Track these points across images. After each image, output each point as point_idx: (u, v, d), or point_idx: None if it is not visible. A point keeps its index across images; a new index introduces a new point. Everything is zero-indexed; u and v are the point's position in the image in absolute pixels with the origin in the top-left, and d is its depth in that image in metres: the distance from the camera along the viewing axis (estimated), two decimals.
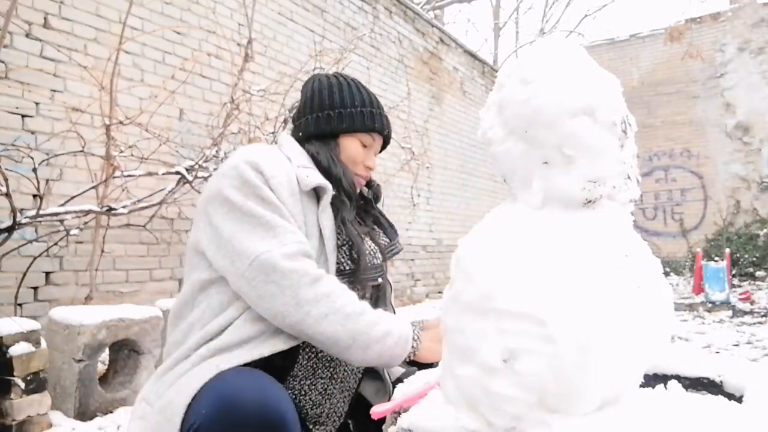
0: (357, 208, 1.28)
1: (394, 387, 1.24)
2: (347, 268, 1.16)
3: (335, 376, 1.15)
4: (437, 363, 0.96)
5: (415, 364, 1.15)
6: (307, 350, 1.12)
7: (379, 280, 1.24)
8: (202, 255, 1.10)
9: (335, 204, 1.17)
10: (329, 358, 1.14)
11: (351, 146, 1.26)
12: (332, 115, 1.25)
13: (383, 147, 1.36)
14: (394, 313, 1.25)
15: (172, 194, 3.51)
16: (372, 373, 1.27)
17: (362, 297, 1.14)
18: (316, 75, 1.34)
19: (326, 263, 1.12)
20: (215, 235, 1.07)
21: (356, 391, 1.24)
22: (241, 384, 0.91)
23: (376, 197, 1.39)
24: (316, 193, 1.16)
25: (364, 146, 1.27)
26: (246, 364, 0.99)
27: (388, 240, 1.33)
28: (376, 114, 1.28)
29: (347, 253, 1.16)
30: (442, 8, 13.19)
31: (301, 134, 1.27)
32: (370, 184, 1.37)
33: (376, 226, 1.34)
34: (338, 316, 1.02)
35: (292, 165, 1.16)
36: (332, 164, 1.21)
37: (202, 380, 0.94)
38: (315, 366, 1.13)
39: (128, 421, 1.06)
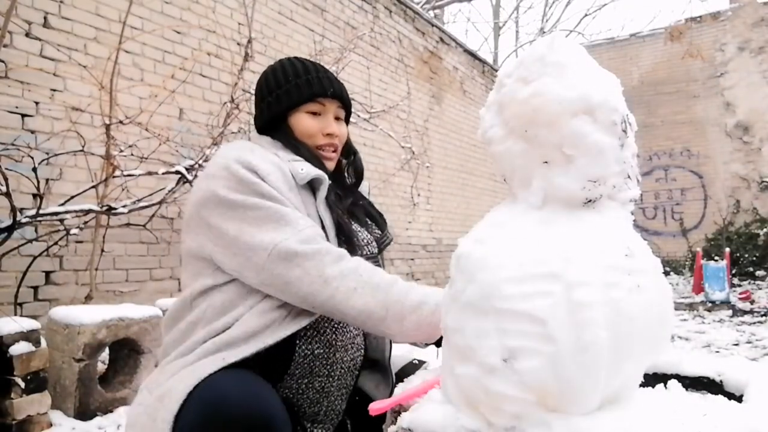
0: (346, 200, 1.26)
1: (397, 381, 1.24)
2: None
3: (332, 374, 1.13)
4: None
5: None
6: (304, 348, 1.10)
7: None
8: (207, 261, 1.08)
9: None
10: (326, 356, 1.12)
11: (299, 121, 1.21)
12: (272, 99, 1.22)
13: (347, 111, 1.30)
14: None
15: (172, 194, 3.51)
16: (372, 367, 1.25)
17: None
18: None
19: None
20: (220, 237, 1.05)
21: (354, 387, 1.22)
22: (227, 385, 0.90)
23: (358, 175, 1.34)
24: (311, 186, 1.14)
25: (315, 114, 1.22)
26: (247, 360, 0.99)
27: (379, 231, 1.31)
28: (313, 79, 1.22)
29: (343, 240, 1.15)
30: (442, 8, 13.19)
31: (257, 129, 1.26)
32: (353, 165, 1.33)
33: (367, 218, 1.31)
34: (367, 288, 1.00)
35: (283, 160, 1.14)
36: (295, 150, 1.19)
37: (207, 371, 0.94)
38: (312, 364, 1.11)
39: (129, 408, 1.06)
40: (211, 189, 1.07)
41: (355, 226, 1.24)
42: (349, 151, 1.33)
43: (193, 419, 0.88)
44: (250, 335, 1.01)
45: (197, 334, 1.04)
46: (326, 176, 1.14)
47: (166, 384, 0.97)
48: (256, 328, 1.02)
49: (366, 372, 1.24)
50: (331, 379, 1.13)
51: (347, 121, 1.32)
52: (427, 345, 1.21)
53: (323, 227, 1.11)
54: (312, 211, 1.12)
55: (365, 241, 1.22)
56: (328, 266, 1.00)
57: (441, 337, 1.00)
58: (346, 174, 1.34)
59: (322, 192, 1.13)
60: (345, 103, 1.27)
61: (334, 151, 1.25)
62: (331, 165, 1.25)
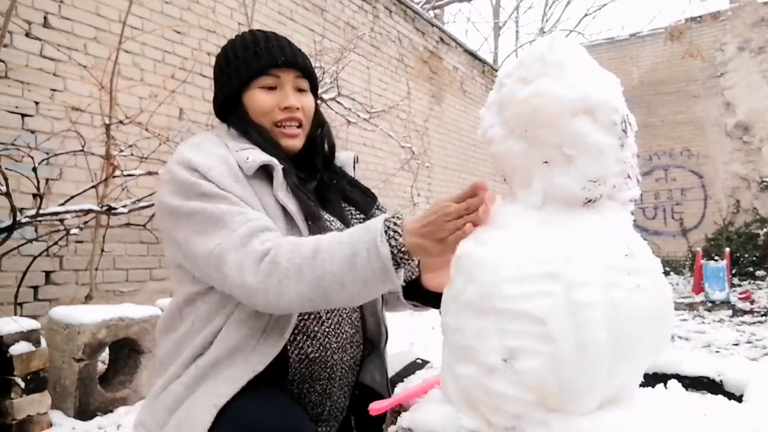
0: (319, 183, 1.17)
1: (398, 378, 1.22)
2: None
3: (333, 375, 1.10)
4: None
5: (426, 297, 1.09)
6: (296, 353, 1.06)
7: None
8: (182, 268, 1.07)
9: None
10: (323, 360, 1.08)
11: (253, 98, 1.12)
12: (224, 80, 1.15)
13: (310, 80, 1.18)
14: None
15: None
16: (369, 355, 1.21)
17: None
18: None
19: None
20: (179, 248, 1.02)
21: (355, 382, 1.19)
22: (255, 409, 0.91)
23: (330, 150, 1.21)
24: (267, 172, 1.06)
25: (271, 89, 1.12)
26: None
27: (362, 216, 1.20)
28: (262, 50, 1.12)
29: (311, 225, 1.07)
30: (442, 7, 13.18)
31: (219, 115, 1.19)
32: (322, 139, 1.20)
33: (345, 203, 1.20)
34: (291, 275, 0.90)
35: (230, 151, 1.07)
36: (249, 134, 1.11)
37: (218, 403, 0.93)
38: (310, 368, 1.07)
39: None
40: (160, 197, 1.05)
41: (328, 216, 1.14)
42: (317, 123, 1.20)
43: None
44: (232, 350, 0.99)
45: (185, 351, 1.03)
46: (276, 161, 1.05)
47: (170, 425, 0.97)
48: (236, 342, 0.99)
49: (364, 363, 1.20)
50: (332, 381, 1.10)
51: (314, 92, 1.20)
52: (423, 301, 1.15)
53: (286, 215, 1.04)
54: (269, 201, 1.04)
55: (335, 227, 1.13)
56: (249, 275, 0.92)
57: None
58: (317, 150, 1.21)
59: (277, 178, 1.05)
60: (304, 72, 1.15)
61: (298, 126, 1.14)
62: (296, 143, 1.14)
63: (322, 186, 1.19)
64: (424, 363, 1.32)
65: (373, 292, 0.92)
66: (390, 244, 0.87)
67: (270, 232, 0.97)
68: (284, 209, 1.04)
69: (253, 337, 1.00)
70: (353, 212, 1.20)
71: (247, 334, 1.00)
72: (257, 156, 1.05)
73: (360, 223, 1.14)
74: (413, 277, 1.17)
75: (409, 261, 0.90)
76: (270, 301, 0.92)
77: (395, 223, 0.90)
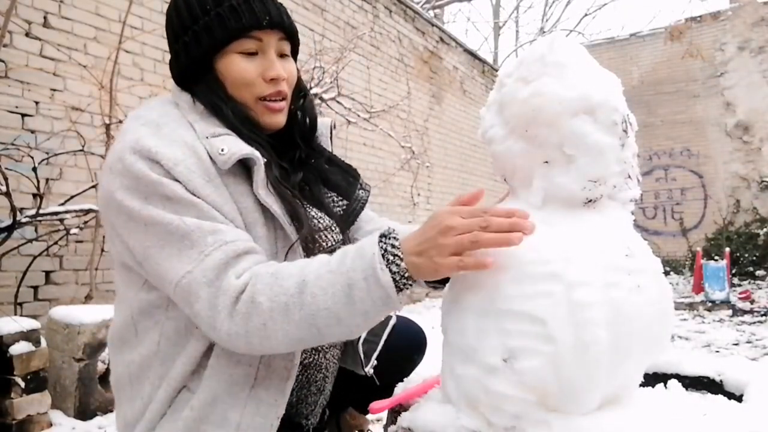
0: (292, 161, 1.01)
1: (368, 345, 1.13)
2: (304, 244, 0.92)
3: (327, 374, 1.07)
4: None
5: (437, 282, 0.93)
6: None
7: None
8: (131, 270, 0.89)
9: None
10: (317, 363, 1.02)
11: (231, 65, 0.91)
12: (188, 40, 0.91)
13: (293, 43, 0.98)
14: None
15: None
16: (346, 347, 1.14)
17: None
18: None
19: (286, 247, 0.89)
20: (130, 252, 0.86)
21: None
22: None
23: (311, 124, 1.04)
24: (244, 165, 0.88)
25: (251, 54, 0.92)
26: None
27: (345, 203, 1.05)
28: (240, 5, 0.90)
29: (297, 227, 0.91)
30: (442, 7, 13.18)
31: (177, 84, 0.96)
32: (303, 112, 1.02)
33: (325, 188, 1.05)
34: (277, 315, 0.77)
35: (199, 136, 0.87)
36: (218, 110, 0.91)
37: None
38: (307, 375, 1.02)
39: None
40: (109, 189, 0.85)
41: (315, 212, 1.00)
42: (298, 93, 1.01)
43: None
44: (230, 384, 0.85)
45: (153, 382, 0.88)
46: (258, 155, 0.87)
47: None
48: (233, 374, 0.85)
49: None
50: (326, 380, 1.07)
51: (294, 55, 1.00)
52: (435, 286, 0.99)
53: (267, 217, 0.89)
54: (247, 203, 0.87)
55: (324, 223, 0.99)
56: (225, 320, 0.78)
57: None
58: (298, 126, 1.03)
59: (259, 173, 0.87)
60: (289, 33, 0.96)
61: (282, 100, 0.95)
62: (280, 119, 0.97)
63: (299, 166, 1.02)
64: (387, 318, 1.18)
65: (374, 321, 0.80)
66: (391, 270, 0.76)
67: (248, 256, 0.82)
68: (265, 210, 0.89)
69: (252, 365, 0.86)
70: (335, 198, 1.05)
71: (242, 361, 0.85)
72: (234, 146, 0.86)
73: (342, 211, 1.04)
74: None
75: (413, 284, 0.78)
76: (254, 345, 0.79)
77: (393, 245, 0.77)
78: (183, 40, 0.93)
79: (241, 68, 0.92)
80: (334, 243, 1.00)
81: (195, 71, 0.93)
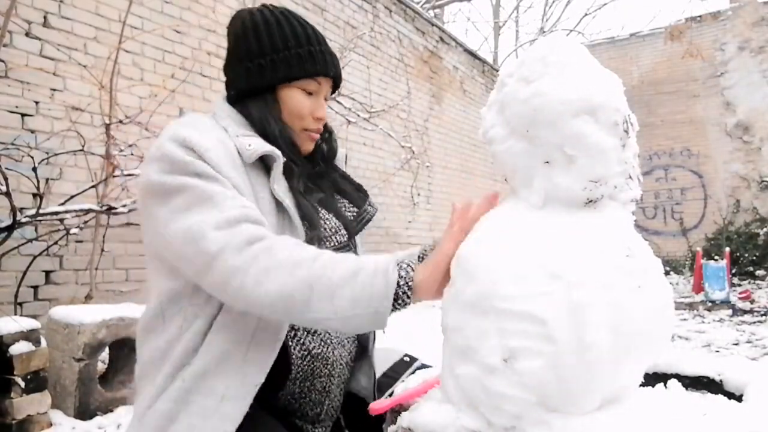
0: (310, 174, 1.12)
1: (388, 378, 1.18)
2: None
3: (333, 372, 1.08)
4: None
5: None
6: (298, 348, 1.03)
7: None
8: (160, 258, 0.97)
9: (285, 172, 1.01)
10: (325, 355, 1.05)
11: (293, 98, 1.06)
12: (264, 64, 1.05)
13: (334, 90, 1.15)
14: None
15: None
16: (357, 359, 1.18)
17: None
18: (240, 12, 1.12)
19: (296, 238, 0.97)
20: (156, 231, 0.93)
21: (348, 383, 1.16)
22: None
23: (331, 153, 1.18)
24: (265, 164, 1.00)
25: (309, 94, 1.08)
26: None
27: (355, 210, 1.15)
28: (317, 53, 1.07)
29: (306, 226, 1.00)
30: (442, 7, 13.18)
31: (233, 92, 1.09)
32: (328, 143, 1.17)
33: (338, 195, 1.16)
34: (285, 266, 0.84)
35: (230, 135, 1.00)
36: (267, 125, 1.04)
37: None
38: (312, 365, 1.04)
39: None
40: (146, 174, 0.95)
41: (323, 213, 1.09)
42: (325, 128, 1.18)
43: None
44: (220, 359, 0.92)
45: (168, 361, 0.95)
46: (279, 153, 0.99)
47: None
48: (224, 349, 0.92)
49: (356, 371, 1.18)
50: (331, 378, 1.08)
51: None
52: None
53: (280, 210, 0.98)
54: (264, 193, 0.98)
55: (332, 230, 1.08)
56: (232, 253, 0.85)
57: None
58: (319, 155, 1.17)
59: (277, 170, 0.98)
60: (337, 83, 1.14)
61: (318, 135, 1.13)
62: (312, 147, 1.12)
63: (316, 177, 1.13)
64: (412, 360, 1.27)
65: (353, 319, 0.84)
66: (400, 275, 0.84)
67: (261, 226, 0.90)
68: (279, 204, 0.98)
69: (242, 343, 0.92)
70: (346, 204, 1.15)
71: (234, 339, 0.92)
72: (259, 144, 0.99)
73: (353, 217, 1.13)
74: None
75: (407, 303, 0.85)
76: (245, 285, 0.84)
77: (409, 264, 0.88)
78: (258, 62, 1.06)
79: (300, 102, 1.07)
80: (337, 244, 1.08)
81: (250, 91, 1.07)
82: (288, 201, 0.98)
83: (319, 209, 1.07)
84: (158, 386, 0.95)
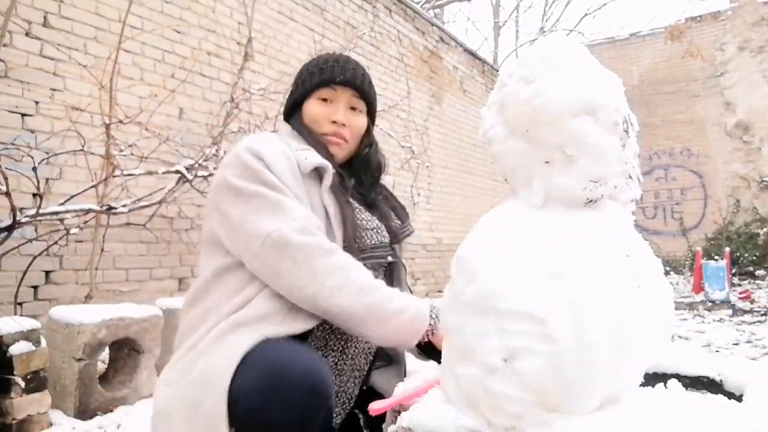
0: (363, 185, 1.28)
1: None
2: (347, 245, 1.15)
3: (346, 351, 1.16)
4: None
5: (431, 352, 1.14)
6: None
7: (389, 258, 1.24)
8: (217, 243, 1.13)
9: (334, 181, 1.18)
10: (341, 332, 1.14)
11: (310, 108, 1.24)
12: (293, 89, 1.30)
13: (367, 102, 1.28)
14: (411, 293, 1.24)
15: (172, 193, 3.51)
16: (387, 364, 1.27)
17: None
18: None
19: (334, 242, 1.11)
20: (226, 222, 1.10)
21: (368, 378, 1.23)
22: (288, 354, 0.94)
23: (376, 166, 1.32)
24: (318, 174, 1.16)
25: (324, 101, 1.24)
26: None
27: (399, 222, 1.30)
28: (328, 67, 1.25)
29: (347, 230, 1.16)
30: (442, 7, 13.18)
31: (284, 112, 1.33)
32: (368, 158, 1.30)
33: (386, 207, 1.31)
34: (353, 289, 1.02)
35: (291, 149, 1.17)
36: (303, 136, 1.22)
37: (246, 346, 0.95)
38: (328, 338, 1.14)
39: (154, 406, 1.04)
40: (222, 176, 1.13)
41: (367, 215, 1.23)
42: (366, 143, 1.31)
43: (255, 385, 0.89)
44: (261, 317, 1.03)
45: (210, 320, 1.05)
46: (330, 165, 1.16)
47: (196, 367, 0.97)
48: (267, 310, 1.04)
49: (381, 369, 1.26)
50: (344, 357, 1.16)
51: (372, 115, 1.31)
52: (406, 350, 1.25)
53: (327, 216, 1.13)
54: (316, 200, 1.14)
55: (372, 225, 1.22)
56: (317, 260, 1.02)
57: (426, 343, 1.11)
58: (363, 167, 1.31)
59: (327, 180, 1.15)
60: (360, 92, 1.26)
61: (342, 140, 1.25)
62: (336, 151, 1.24)
63: (362, 188, 1.29)
64: None
65: (387, 341, 1.09)
66: (430, 324, 1.09)
67: (323, 234, 1.08)
68: (326, 210, 1.14)
69: (281, 312, 1.04)
70: (392, 216, 1.31)
71: (277, 307, 1.05)
72: (314, 157, 1.15)
73: (398, 227, 1.29)
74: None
75: (426, 340, 1.10)
76: (320, 293, 1.01)
77: (437, 315, 1.09)
78: (291, 89, 1.31)
79: (314, 109, 1.24)
80: (377, 242, 1.22)
81: (292, 110, 1.29)
82: (332, 209, 1.14)
83: (364, 210, 1.23)
84: (199, 336, 1.04)
